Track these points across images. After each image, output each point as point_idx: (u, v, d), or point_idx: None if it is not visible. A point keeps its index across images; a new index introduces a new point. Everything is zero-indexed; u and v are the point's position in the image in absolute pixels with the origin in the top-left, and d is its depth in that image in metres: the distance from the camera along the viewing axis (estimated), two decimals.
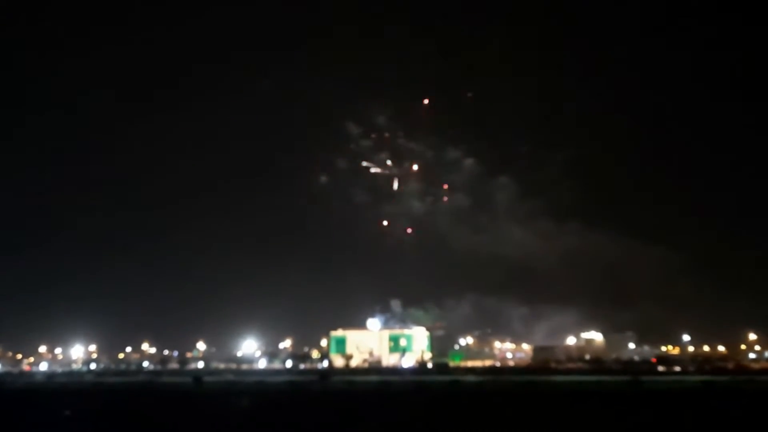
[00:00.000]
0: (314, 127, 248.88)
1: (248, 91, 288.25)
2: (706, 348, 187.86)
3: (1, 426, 50.57)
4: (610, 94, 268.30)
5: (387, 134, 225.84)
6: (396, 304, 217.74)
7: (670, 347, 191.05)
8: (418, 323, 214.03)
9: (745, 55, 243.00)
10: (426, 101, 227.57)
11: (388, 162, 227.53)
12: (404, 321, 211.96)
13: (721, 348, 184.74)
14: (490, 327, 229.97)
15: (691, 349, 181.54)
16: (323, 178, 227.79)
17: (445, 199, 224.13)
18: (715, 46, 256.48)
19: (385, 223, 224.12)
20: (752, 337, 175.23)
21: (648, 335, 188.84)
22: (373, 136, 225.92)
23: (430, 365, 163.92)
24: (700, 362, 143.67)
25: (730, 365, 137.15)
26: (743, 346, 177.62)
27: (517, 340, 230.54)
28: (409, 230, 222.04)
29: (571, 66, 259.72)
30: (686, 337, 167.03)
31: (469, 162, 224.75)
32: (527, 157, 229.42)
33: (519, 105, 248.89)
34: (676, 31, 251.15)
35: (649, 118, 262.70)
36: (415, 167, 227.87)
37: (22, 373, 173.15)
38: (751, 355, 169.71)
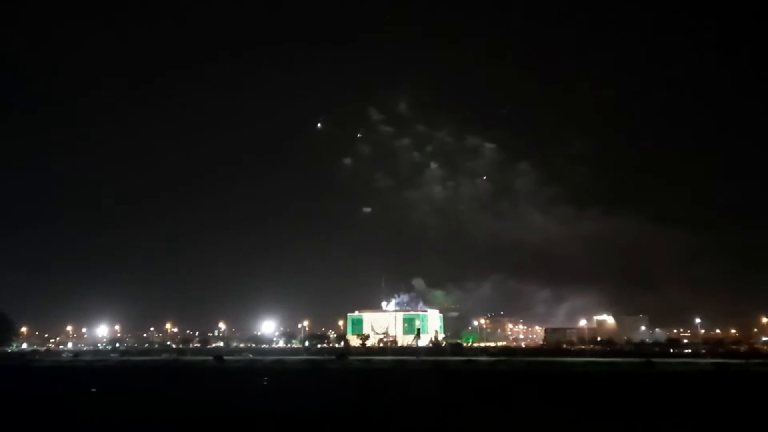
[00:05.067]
0: (338, 112, 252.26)
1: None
2: (717, 331, 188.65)
3: (30, 401, 52.45)
4: (628, 79, 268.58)
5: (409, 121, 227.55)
6: (419, 283, 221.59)
7: (682, 330, 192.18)
8: (439, 304, 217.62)
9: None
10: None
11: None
12: (425, 300, 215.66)
13: (733, 331, 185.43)
14: (507, 309, 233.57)
15: (702, 332, 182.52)
16: (347, 162, 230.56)
17: None
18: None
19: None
20: (765, 320, 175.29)
21: (662, 318, 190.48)
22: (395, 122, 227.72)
23: (443, 345, 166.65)
24: (712, 345, 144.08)
25: (743, 348, 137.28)
26: (756, 329, 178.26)
27: (529, 322, 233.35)
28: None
29: (590, 53, 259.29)
30: (698, 320, 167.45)
31: (490, 148, 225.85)
32: (547, 144, 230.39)
33: (538, 93, 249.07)
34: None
35: (669, 104, 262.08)
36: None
37: (49, 352, 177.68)
38: (765, 338, 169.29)
